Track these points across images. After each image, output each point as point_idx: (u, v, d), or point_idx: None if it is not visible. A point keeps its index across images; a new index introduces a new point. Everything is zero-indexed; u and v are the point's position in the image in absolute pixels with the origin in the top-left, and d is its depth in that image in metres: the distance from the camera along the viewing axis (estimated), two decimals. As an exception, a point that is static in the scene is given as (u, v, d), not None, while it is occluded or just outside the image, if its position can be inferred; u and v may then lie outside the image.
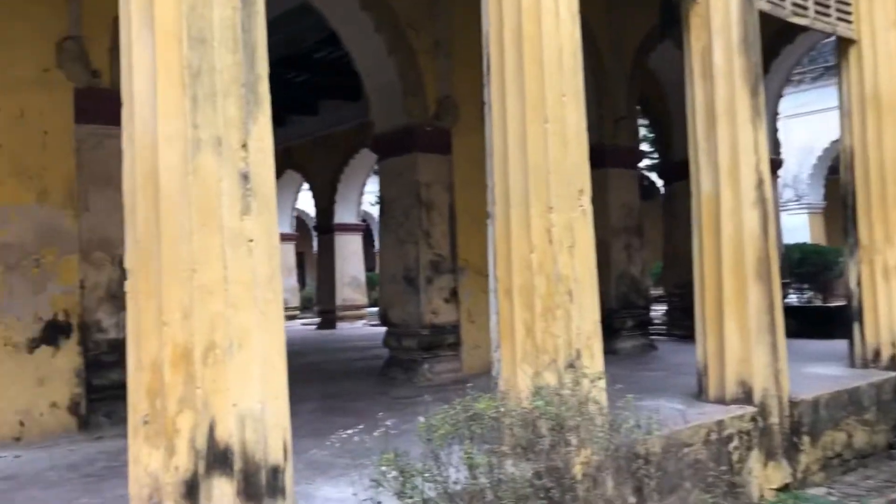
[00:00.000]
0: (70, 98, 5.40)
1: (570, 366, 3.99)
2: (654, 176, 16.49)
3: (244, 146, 3.06)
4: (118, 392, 5.71)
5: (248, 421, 2.95)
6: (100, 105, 5.46)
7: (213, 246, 2.96)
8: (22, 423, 5.03)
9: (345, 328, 15.37)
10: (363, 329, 15.24)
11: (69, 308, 5.27)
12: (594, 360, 4.10)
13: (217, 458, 2.87)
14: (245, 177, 3.05)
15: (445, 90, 7.40)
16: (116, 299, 5.51)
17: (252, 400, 2.96)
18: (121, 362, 5.75)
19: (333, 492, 3.66)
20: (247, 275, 3.02)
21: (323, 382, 7.28)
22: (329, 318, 15.80)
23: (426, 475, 2.53)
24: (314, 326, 16.32)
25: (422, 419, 2.91)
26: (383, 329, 11.76)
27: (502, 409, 2.87)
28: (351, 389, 6.93)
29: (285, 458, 3.06)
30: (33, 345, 5.12)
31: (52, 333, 5.19)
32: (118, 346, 5.54)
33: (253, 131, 3.10)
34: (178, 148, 2.96)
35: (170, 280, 2.93)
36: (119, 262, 5.54)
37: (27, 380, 5.07)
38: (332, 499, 3.56)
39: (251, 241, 3.04)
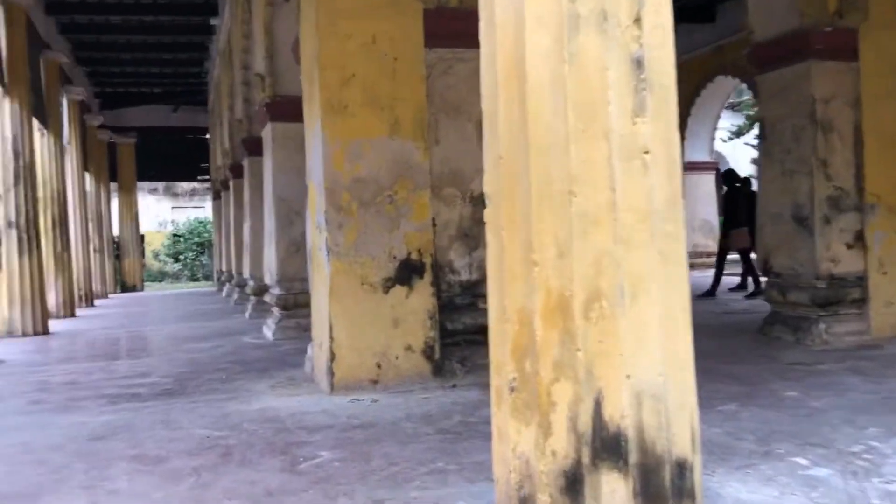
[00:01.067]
0: (419, 22, 5.01)
1: None
2: None
3: (637, 21, 2.22)
4: (471, 338, 5.36)
5: (645, 398, 2.16)
6: (449, 26, 5.02)
7: (598, 159, 2.18)
8: (379, 366, 4.83)
9: (694, 276, 14.13)
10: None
11: (422, 247, 4.94)
12: None
13: (606, 445, 2.13)
14: (638, 63, 2.21)
15: (852, -21, 5.84)
16: (468, 238, 5.09)
17: (651, 371, 2.17)
18: (473, 306, 5.37)
19: (743, 490, 2.75)
20: (641, 199, 2.21)
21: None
22: (677, 265, 14.72)
23: None
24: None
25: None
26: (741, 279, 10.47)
27: None
28: (726, 349, 5.88)
29: (693, 451, 2.24)
30: (388, 284, 4.87)
31: (406, 273, 4.91)
32: (470, 289, 5.14)
33: (648, 0, 2.25)
34: (549, 27, 2.21)
35: (540, 206, 2.22)
36: (470, 199, 5.11)
37: (383, 321, 4.86)
38: (745, 502, 2.65)
39: (646, 152, 2.22)
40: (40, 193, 12.08)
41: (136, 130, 22.16)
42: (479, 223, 5.11)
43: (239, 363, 6.32)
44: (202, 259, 28.10)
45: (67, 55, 14.18)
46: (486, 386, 4.80)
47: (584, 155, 2.18)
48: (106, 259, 19.76)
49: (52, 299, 12.47)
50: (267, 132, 8.00)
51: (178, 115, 21.87)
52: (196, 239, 28.51)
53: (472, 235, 5.10)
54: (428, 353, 4.93)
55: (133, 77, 18.89)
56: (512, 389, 2.29)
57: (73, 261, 14.22)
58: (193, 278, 27.66)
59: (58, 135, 13.08)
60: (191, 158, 24.00)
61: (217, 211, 19.11)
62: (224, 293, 16.59)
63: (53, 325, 10.81)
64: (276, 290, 7.94)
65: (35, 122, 11.49)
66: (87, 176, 18.06)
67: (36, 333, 9.72)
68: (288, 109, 7.68)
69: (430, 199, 4.99)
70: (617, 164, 2.18)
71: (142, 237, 23.85)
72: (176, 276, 28.11)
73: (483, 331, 5.35)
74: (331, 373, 4.76)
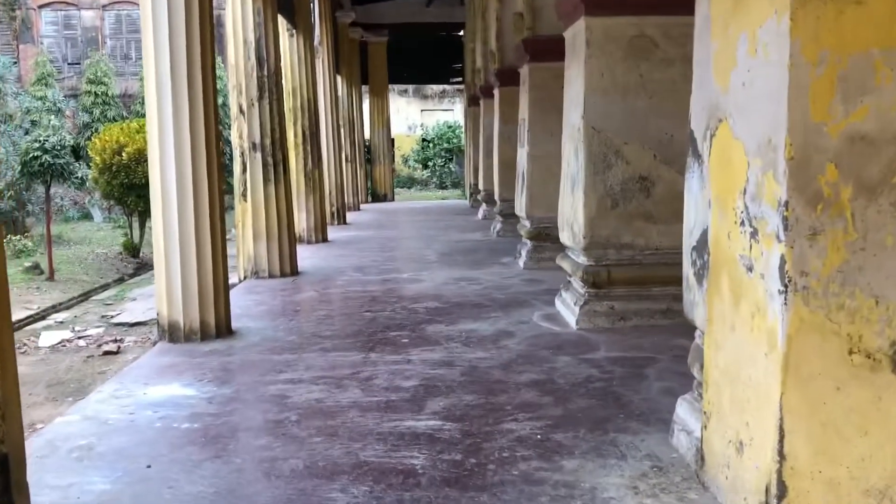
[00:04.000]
0: None
1: None
2: None
3: None
4: None
5: None
6: None
7: None
8: (874, 516, 2.42)
9: None
10: None
11: None
12: None
13: None
14: None
15: None
16: None
17: None
18: None
19: None
20: None
21: None
22: None
23: None
24: None
25: None
26: None
27: None
28: None
29: None
30: (907, 356, 2.38)
31: (946, 334, 2.38)
32: None
33: None
34: None
35: None
36: None
37: (890, 429, 2.40)
38: None
39: None
40: (289, 104, 10.71)
41: (386, 28, 20.66)
42: None
43: (548, 391, 4.18)
44: (450, 166, 26.74)
45: (318, -58, 12.52)
46: None
47: None
48: (357, 168, 18.75)
49: (303, 222, 11.30)
50: (577, 30, 5.59)
51: (432, 9, 19.96)
52: (445, 145, 27.14)
53: None
54: None
55: (386, -34, 17.09)
56: None
57: (325, 175, 13.02)
58: (441, 185, 26.46)
59: (308, 35, 11.55)
60: (443, 59, 22.21)
61: (472, 118, 17.19)
62: (481, 215, 14.80)
63: (302, 254, 9.51)
64: (580, 258, 5.70)
65: (282, 22, 9.95)
66: (339, 79, 16.82)
67: (283, 274, 8.36)
68: (616, -3, 5.25)
69: None
70: None
71: (392, 141, 22.73)
72: (424, 183, 27.09)
73: None
74: (776, 518, 2.43)
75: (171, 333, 5.56)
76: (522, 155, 8.47)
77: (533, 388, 4.25)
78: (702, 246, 3.13)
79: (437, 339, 5.42)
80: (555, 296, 6.72)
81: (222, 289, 5.76)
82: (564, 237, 6.03)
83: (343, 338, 5.59)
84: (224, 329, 5.74)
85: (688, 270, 3.31)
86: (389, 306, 6.65)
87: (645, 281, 5.55)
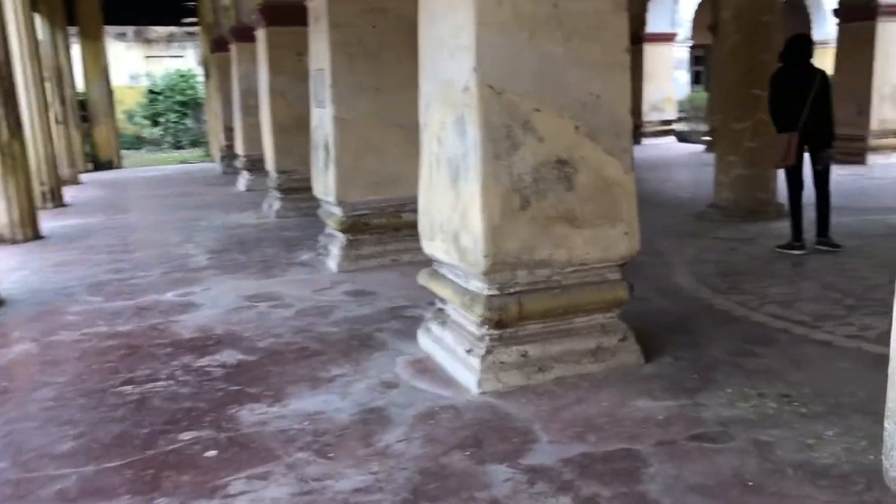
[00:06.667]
0: None
1: None
2: None
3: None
4: None
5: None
6: None
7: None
8: None
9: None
10: None
11: None
12: None
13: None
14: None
15: None
16: None
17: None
18: None
19: None
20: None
21: None
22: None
23: None
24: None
25: None
26: None
27: None
28: None
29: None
30: None
31: None
32: None
33: None
34: None
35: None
36: None
37: None
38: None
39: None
40: (-35, 51, 7.50)
41: (96, -46, 16.82)
42: None
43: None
44: (187, 122, 23.21)
45: None
46: None
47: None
48: (72, 130, 15.12)
49: (2, 216, 8.21)
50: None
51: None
52: (178, 97, 23.45)
53: None
54: None
55: None
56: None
57: (30, 146, 9.81)
58: (178, 145, 22.89)
59: (-13, -47, 8.22)
60: (172, -6, 18.70)
61: (219, 67, 14.33)
62: (243, 186, 12.28)
63: (6, 265, 6.73)
64: (473, 284, 3.79)
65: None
66: (38, 18, 13.13)
67: (-23, 310, 5.54)
68: None
69: None
70: None
71: (111, 94, 18.90)
72: (156, 143, 23.29)
73: None
74: None
75: None
76: (324, 118, 6.31)
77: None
78: None
79: (266, 445, 3.25)
80: (406, 320, 4.81)
81: None
82: (438, 250, 4.07)
83: (97, 458, 3.21)
84: None
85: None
86: (163, 367, 4.28)
87: (567, 310, 3.81)
